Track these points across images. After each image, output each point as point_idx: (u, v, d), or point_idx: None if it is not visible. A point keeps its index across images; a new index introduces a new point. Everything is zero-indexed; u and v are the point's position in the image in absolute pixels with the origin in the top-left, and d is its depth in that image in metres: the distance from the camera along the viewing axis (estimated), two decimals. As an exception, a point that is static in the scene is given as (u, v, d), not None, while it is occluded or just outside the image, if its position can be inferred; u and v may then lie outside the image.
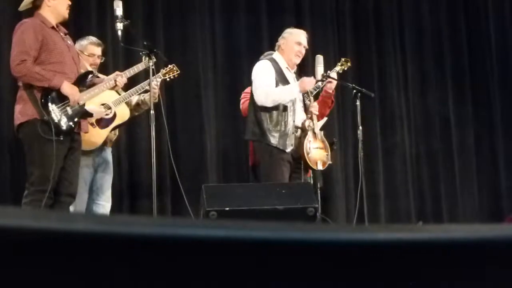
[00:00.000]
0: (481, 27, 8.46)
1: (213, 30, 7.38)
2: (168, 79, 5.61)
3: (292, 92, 5.41)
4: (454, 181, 8.07)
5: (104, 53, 5.68)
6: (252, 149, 6.03)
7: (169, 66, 5.63)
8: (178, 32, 7.23)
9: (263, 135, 5.45)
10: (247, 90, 6.07)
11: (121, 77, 5.13)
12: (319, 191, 5.62)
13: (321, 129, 5.66)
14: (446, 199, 8.01)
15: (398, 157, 7.92)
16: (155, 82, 5.31)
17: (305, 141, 5.49)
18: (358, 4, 8.06)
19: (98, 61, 5.57)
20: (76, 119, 4.75)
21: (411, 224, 7.32)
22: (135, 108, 5.66)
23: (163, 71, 5.58)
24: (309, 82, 5.39)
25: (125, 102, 5.47)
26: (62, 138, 4.65)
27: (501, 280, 1.27)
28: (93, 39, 5.66)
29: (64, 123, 4.68)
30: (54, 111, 4.65)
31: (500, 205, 8.15)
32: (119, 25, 4.98)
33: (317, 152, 5.51)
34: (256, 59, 6.44)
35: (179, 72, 5.67)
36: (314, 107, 5.55)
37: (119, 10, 4.99)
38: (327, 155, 5.60)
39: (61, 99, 4.69)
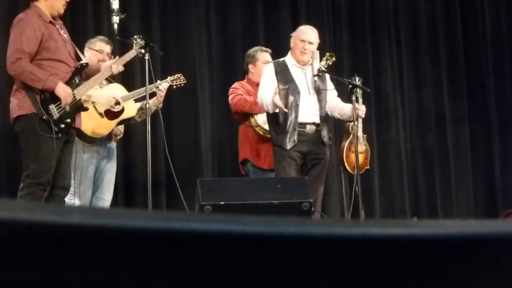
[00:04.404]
0: (477, 22, 8.46)
1: (209, 25, 7.38)
2: (174, 87, 5.68)
3: (267, 104, 5.48)
4: (449, 177, 8.08)
5: (113, 53, 5.73)
6: (241, 145, 6.05)
7: (177, 75, 5.73)
8: (174, 26, 7.23)
9: (272, 135, 5.61)
10: (235, 85, 6.09)
11: (116, 65, 5.13)
12: (353, 195, 5.72)
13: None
14: (441, 195, 8.02)
15: (393, 153, 7.93)
16: (163, 85, 5.56)
17: (346, 144, 5.78)
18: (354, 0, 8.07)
19: (107, 58, 5.62)
20: (73, 115, 4.78)
21: (406, 220, 7.33)
22: (137, 113, 5.68)
23: (170, 77, 5.68)
24: (271, 105, 5.44)
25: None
26: (60, 136, 4.67)
27: (496, 276, 1.28)
28: (102, 37, 5.80)
29: (62, 121, 4.69)
30: (53, 110, 4.66)
31: (495, 201, 8.16)
32: (115, 19, 4.98)
33: (358, 157, 5.63)
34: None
35: (185, 81, 5.78)
36: (361, 110, 5.61)
37: (115, 4, 4.99)
38: (366, 160, 5.84)
39: (58, 97, 4.71)
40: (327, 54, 5.99)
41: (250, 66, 6.11)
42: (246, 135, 6.00)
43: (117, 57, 5.22)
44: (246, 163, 6.00)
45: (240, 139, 6.08)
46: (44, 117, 4.61)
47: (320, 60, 5.74)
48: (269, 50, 6.17)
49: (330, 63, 5.92)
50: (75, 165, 5.05)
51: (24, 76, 4.63)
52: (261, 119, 5.82)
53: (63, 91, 4.69)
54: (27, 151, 4.74)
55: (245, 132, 6.02)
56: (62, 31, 4.88)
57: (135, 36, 5.08)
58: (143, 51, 5.04)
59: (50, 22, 4.79)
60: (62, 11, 4.87)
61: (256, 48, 6.26)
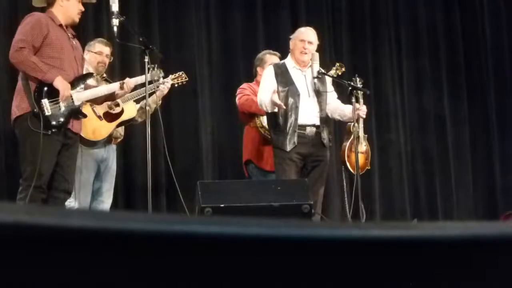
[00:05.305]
0: (476, 24, 8.47)
1: (209, 27, 7.38)
2: (176, 85, 5.68)
3: (266, 103, 5.47)
4: (449, 179, 8.08)
5: (112, 54, 5.74)
6: (245, 146, 6.06)
7: (178, 73, 5.74)
8: (174, 28, 7.23)
9: (272, 137, 5.61)
10: (243, 86, 6.11)
11: (127, 84, 5.12)
12: (354, 197, 5.73)
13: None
14: (441, 197, 8.02)
15: (393, 155, 7.93)
16: (165, 84, 5.55)
17: (347, 145, 5.83)
18: (354, 1, 8.06)
19: (107, 60, 5.65)
20: (68, 116, 4.75)
21: (406, 222, 7.33)
22: (137, 113, 5.68)
23: (171, 76, 5.69)
24: (270, 103, 5.45)
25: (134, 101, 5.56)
26: (50, 133, 4.64)
27: (497, 277, 1.28)
28: (101, 39, 5.85)
29: (54, 118, 4.67)
30: (46, 105, 4.64)
31: (495, 203, 8.16)
32: (115, 21, 4.98)
33: (358, 157, 5.65)
34: (251, 55, 6.45)
35: (187, 79, 5.79)
36: (362, 111, 5.63)
37: (115, 6, 4.98)
38: (366, 160, 5.91)
39: (55, 94, 4.69)
40: (337, 64, 6.05)
41: (258, 69, 6.14)
42: (250, 136, 6.02)
43: (127, 78, 5.21)
44: (249, 164, 6.01)
45: (244, 140, 6.10)
46: (35, 110, 4.61)
47: (329, 69, 5.79)
48: (277, 53, 6.18)
49: (340, 73, 5.97)
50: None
51: (25, 65, 4.64)
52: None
53: (61, 82, 4.68)
54: (24, 153, 4.74)
55: (249, 133, 6.04)
56: (73, 38, 4.90)
57: (152, 62, 5.04)
58: (162, 79, 5.05)
59: (60, 25, 4.81)
60: (76, 19, 4.90)
61: (265, 51, 6.30)
